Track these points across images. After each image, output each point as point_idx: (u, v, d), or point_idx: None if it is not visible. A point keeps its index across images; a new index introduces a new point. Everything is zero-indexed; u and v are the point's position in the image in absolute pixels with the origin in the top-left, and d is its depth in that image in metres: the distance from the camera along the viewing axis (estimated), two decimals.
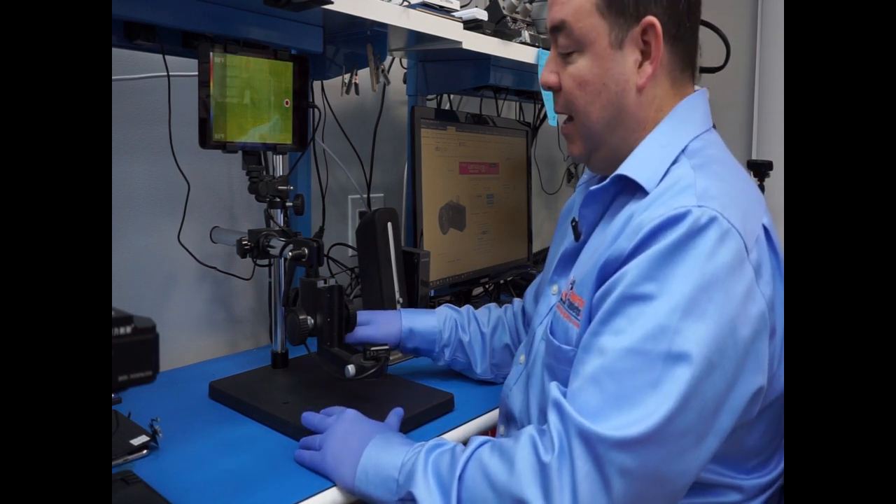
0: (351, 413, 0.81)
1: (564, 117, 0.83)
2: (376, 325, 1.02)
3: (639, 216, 0.68)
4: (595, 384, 0.63)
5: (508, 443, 0.67)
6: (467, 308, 1.10)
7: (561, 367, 0.75)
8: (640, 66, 0.75)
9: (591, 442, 0.61)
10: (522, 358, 0.88)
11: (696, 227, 0.64)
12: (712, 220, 0.64)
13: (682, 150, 0.74)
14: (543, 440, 0.64)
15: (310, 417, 0.84)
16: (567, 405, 0.64)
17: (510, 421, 0.87)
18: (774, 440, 0.73)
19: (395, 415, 0.86)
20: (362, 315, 1.02)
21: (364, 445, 0.75)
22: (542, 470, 0.62)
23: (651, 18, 0.73)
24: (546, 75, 0.81)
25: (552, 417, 0.65)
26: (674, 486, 0.63)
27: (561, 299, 0.79)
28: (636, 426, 0.60)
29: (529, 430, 0.67)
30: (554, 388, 0.67)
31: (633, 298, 0.64)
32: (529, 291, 1.07)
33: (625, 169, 0.74)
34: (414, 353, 1.07)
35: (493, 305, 1.12)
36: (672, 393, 0.60)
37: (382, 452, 0.74)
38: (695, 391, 0.61)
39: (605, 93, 0.76)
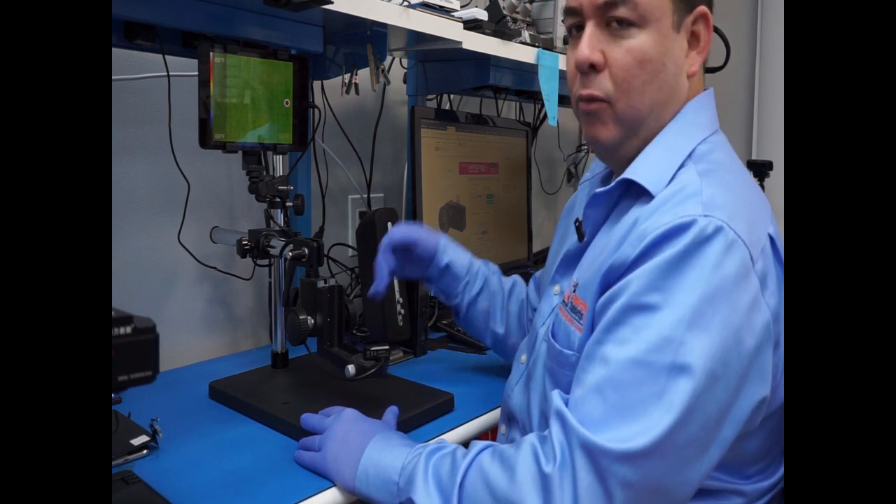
0: (350, 413, 0.81)
1: (589, 103, 0.76)
2: (419, 229, 0.99)
3: (644, 222, 0.67)
4: (598, 394, 0.63)
5: (510, 450, 0.67)
6: (493, 265, 1.08)
7: (562, 371, 0.75)
8: (687, 55, 0.76)
9: (593, 454, 0.60)
10: (524, 357, 0.87)
11: (702, 237, 0.63)
12: (718, 230, 0.63)
13: (689, 154, 0.73)
14: (545, 449, 0.64)
15: (309, 419, 0.84)
16: (570, 416, 0.63)
17: (511, 421, 0.87)
18: (776, 446, 0.73)
19: (392, 413, 0.86)
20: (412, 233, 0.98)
21: (364, 446, 0.75)
22: (544, 480, 0.62)
23: (704, 8, 0.74)
24: (589, 52, 0.73)
25: (554, 427, 0.65)
26: (676, 497, 0.63)
27: (563, 301, 0.78)
28: (639, 439, 0.60)
29: (531, 439, 0.67)
30: (556, 397, 0.67)
31: (637, 308, 0.64)
32: (531, 282, 1.06)
33: (631, 173, 0.73)
34: (438, 281, 1.02)
35: (516, 276, 1.11)
36: (675, 405, 0.60)
37: (383, 453, 0.74)
38: (698, 403, 0.61)
39: (664, 73, 0.74)
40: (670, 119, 0.76)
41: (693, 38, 0.76)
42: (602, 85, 0.74)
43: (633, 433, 0.60)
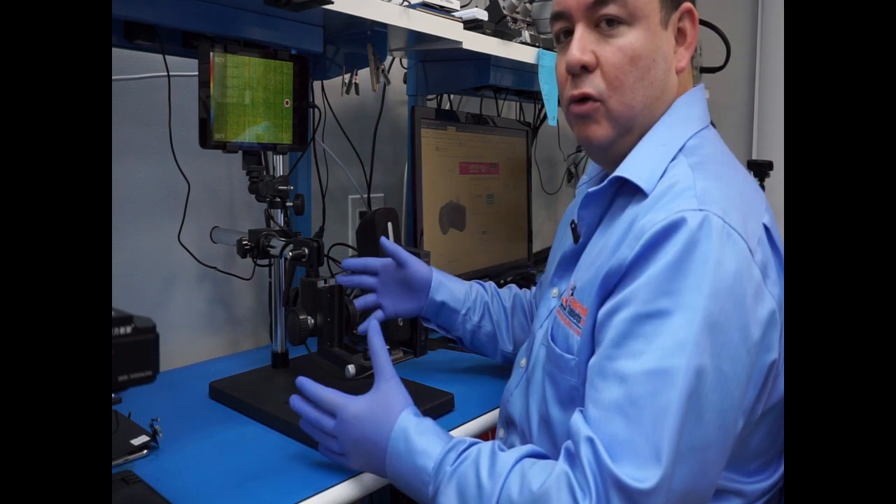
0: (351, 414, 0.77)
1: (581, 104, 0.77)
2: (412, 265, 1.00)
3: (640, 220, 0.67)
4: (620, 413, 0.61)
5: (539, 476, 0.63)
6: (491, 284, 1.09)
7: (562, 375, 0.74)
8: (675, 51, 0.77)
9: (627, 492, 0.59)
10: (524, 362, 0.86)
11: (698, 232, 0.63)
12: (713, 224, 0.63)
13: (680, 149, 0.73)
14: (577, 477, 0.61)
15: (298, 402, 0.80)
16: (600, 445, 0.61)
17: (510, 425, 0.86)
18: (775, 444, 0.73)
19: (375, 318, 0.85)
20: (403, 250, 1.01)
21: (382, 458, 0.73)
22: None
23: (689, 4, 0.75)
24: (580, 54, 0.74)
25: (585, 453, 0.62)
26: (704, 497, 0.63)
27: (561, 305, 0.78)
28: (662, 458, 0.58)
29: (563, 467, 0.63)
30: (581, 424, 0.64)
31: (646, 317, 0.63)
32: (539, 285, 1.06)
33: (622, 170, 0.73)
34: (437, 317, 1.03)
35: (513, 286, 1.12)
36: (691, 409, 0.60)
37: (404, 464, 0.72)
38: (712, 403, 0.61)
39: (654, 70, 0.75)
40: (661, 115, 0.77)
41: (680, 35, 0.77)
42: (594, 84, 0.75)
43: (653, 454, 0.59)
